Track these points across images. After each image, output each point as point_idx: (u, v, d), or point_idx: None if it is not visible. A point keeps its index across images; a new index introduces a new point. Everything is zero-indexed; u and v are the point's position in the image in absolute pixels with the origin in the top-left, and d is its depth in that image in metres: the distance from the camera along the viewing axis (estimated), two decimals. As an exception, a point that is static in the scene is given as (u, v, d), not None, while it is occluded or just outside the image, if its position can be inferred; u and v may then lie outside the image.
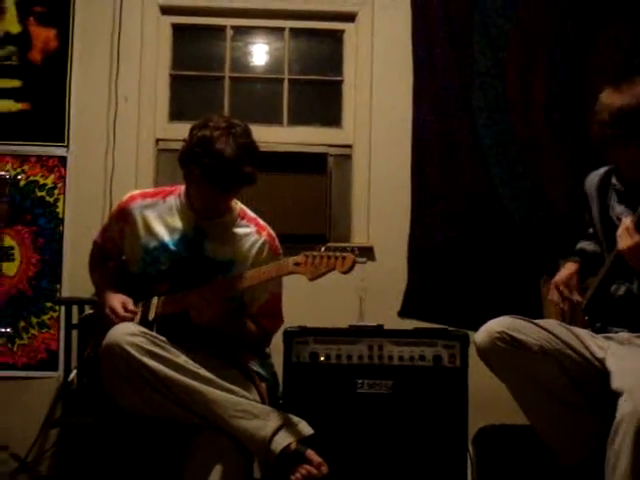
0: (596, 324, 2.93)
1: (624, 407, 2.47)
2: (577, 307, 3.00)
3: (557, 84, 4.31)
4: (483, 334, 2.78)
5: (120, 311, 2.99)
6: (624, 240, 2.69)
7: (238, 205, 3.16)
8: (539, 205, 4.29)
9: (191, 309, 2.91)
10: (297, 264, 2.80)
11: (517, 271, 4.21)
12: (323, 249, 2.78)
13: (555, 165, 4.30)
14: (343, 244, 4.31)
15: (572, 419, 2.77)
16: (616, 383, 2.58)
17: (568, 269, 3.06)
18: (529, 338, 2.74)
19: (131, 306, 3.01)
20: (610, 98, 2.81)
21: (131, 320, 2.95)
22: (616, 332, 2.87)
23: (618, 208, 2.93)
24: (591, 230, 3.11)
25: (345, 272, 2.74)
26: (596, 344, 2.81)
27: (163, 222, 3.08)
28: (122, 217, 3.14)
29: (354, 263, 2.73)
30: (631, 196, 2.86)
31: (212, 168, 2.84)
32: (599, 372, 2.73)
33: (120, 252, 3.23)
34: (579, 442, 2.79)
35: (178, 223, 3.08)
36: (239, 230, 3.10)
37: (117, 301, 3.03)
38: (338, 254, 2.75)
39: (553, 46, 4.33)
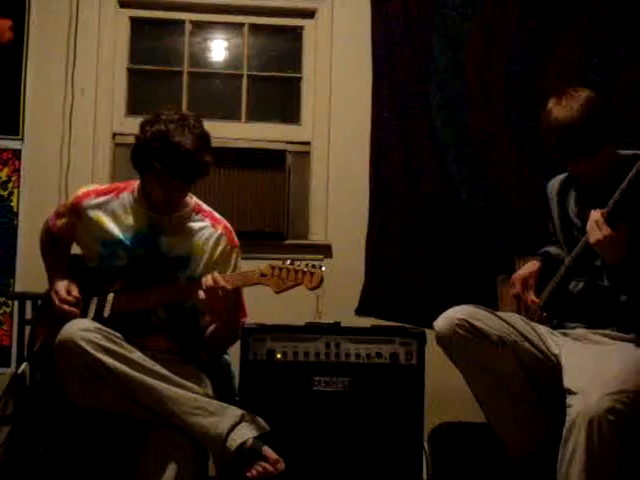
0: (553, 321, 2.95)
1: (576, 406, 2.49)
2: (531, 306, 3.02)
3: (515, 83, 4.35)
4: (443, 321, 2.80)
5: (63, 294, 2.97)
6: (594, 233, 2.68)
7: (193, 199, 3.13)
8: (497, 203, 4.32)
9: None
10: (263, 275, 2.80)
11: (474, 269, 4.24)
12: (289, 262, 2.79)
13: (513, 164, 4.33)
14: (301, 241, 4.34)
15: (524, 412, 2.80)
16: (568, 381, 2.61)
17: (530, 267, 3.07)
18: (489, 328, 2.76)
19: (75, 292, 2.99)
20: (552, 115, 2.78)
21: (72, 304, 2.95)
22: (572, 328, 2.89)
23: (576, 208, 2.96)
24: (554, 239, 3.13)
25: (312, 288, 2.76)
26: (553, 340, 2.84)
27: (117, 220, 3.05)
28: (74, 213, 3.11)
29: (322, 280, 2.74)
30: (589, 197, 2.87)
31: (174, 161, 2.82)
32: (554, 367, 2.76)
33: (66, 244, 3.22)
34: (529, 435, 2.83)
35: (131, 220, 3.05)
36: (194, 224, 3.08)
37: (62, 286, 3.01)
38: (306, 269, 2.75)
39: (512, 45, 4.36)
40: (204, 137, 2.92)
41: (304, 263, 2.78)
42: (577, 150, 2.75)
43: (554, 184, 3.08)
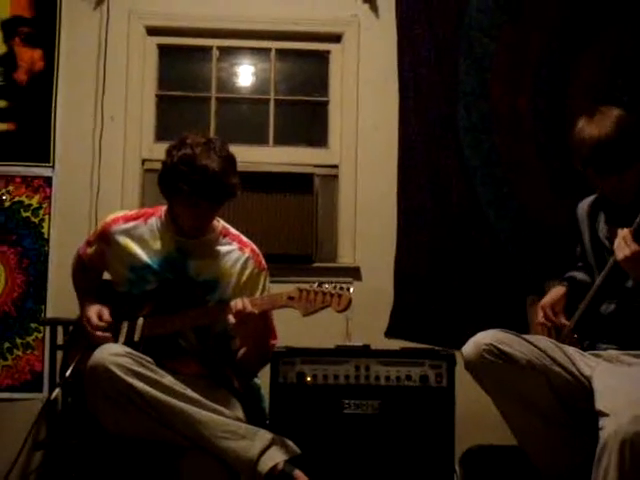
0: (585, 342, 2.93)
1: (608, 428, 2.46)
2: (563, 329, 3.00)
3: (542, 104, 4.34)
4: (471, 346, 2.78)
5: (94, 320, 3.00)
6: (621, 250, 2.69)
7: (220, 223, 3.15)
8: (525, 225, 4.30)
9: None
10: (291, 298, 2.80)
11: (503, 291, 4.22)
12: (316, 285, 2.78)
13: (541, 185, 4.32)
14: (329, 264, 4.34)
15: (556, 435, 2.77)
16: (600, 403, 2.58)
17: (556, 293, 3.06)
18: (517, 352, 2.73)
19: (107, 316, 3.02)
20: (585, 131, 2.81)
21: (105, 329, 2.97)
22: (604, 349, 2.87)
23: (605, 229, 2.95)
24: (580, 264, 3.12)
25: (341, 311, 2.75)
26: (584, 362, 2.81)
27: (145, 245, 3.07)
28: (103, 239, 3.14)
29: (350, 302, 2.74)
30: (618, 217, 2.86)
31: (201, 183, 2.84)
32: (586, 390, 2.73)
33: (97, 271, 3.25)
34: (562, 458, 2.80)
35: (159, 245, 3.07)
36: (222, 248, 3.10)
37: (93, 311, 3.04)
38: (334, 291, 2.75)
39: (537, 66, 4.36)
40: (230, 159, 2.95)
41: (332, 285, 2.77)
42: (610, 165, 2.77)
43: (583, 206, 3.08)
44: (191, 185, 2.86)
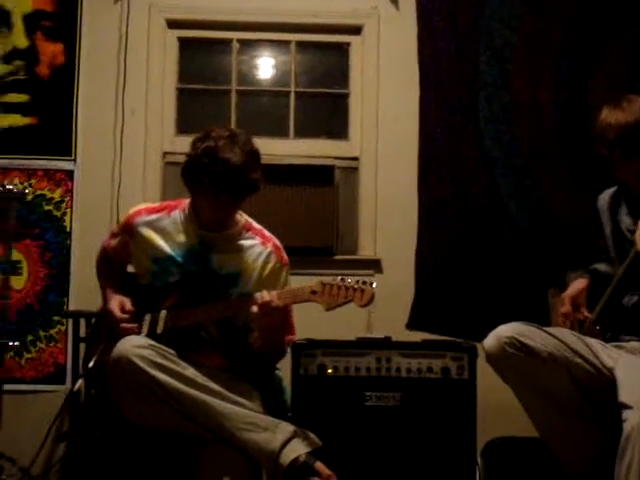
0: (607, 334, 2.92)
1: (632, 420, 2.46)
2: (585, 322, 3.00)
3: (563, 95, 4.33)
4: (492, 339, 2.78)
5: (118, 313, 3.01)
6: None
7: (243, 217, 3.16)
8: (546, 216, 4.29)
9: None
10: (314, 292, 2.79)
11: (524, 282, 4.21)
12: (339, 278, 2.78)
13: (562, 176, 4.31)
14: (350, 257, 4.35)
15: (579, 428, 2.77)
16: (623, 395, 2.57)
17: (578, 285, 3.05)
18: (538, 345, 2.73)
19: (129, 306, 3.03)
20: (612, 116, 2.83)
21: (129, 321, 2.97)
22: (627, 341, 2.86)
23: (628, 220, 2.94)
24: (604, 256, 3.11)
25: (363, 305, 2.74)
26: (606, 353, 2.80)
27: (168, 237, 3.08)
28: (127, 231, 3.15)
29: (373, 297, 2.73)
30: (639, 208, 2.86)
31: (221, 176, 2.85)
32: (608, 381, 2.72)
33: (121, 264, 3.27)
34: (585, 451, 2.79)
35: (183, 237, 3.08)
36: (244, 242, 3.10)
37: (115, 303, 3.05)
38: (357, 286, 2.74)
39: (558, 57, 4.34)
40: (253, 154, 2.95)
41: (355, 280, 2.76)
42: (638, 147, 2.77)
43: (605, 198, 3.08)
44: (212, 178, 2.87)
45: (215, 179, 2.87)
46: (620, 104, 2.84)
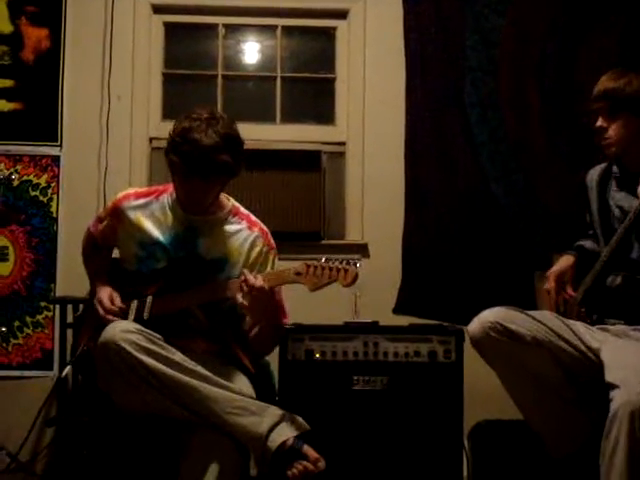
0: (593, 316, 2.94)
1: (618, 399, 2.47)
2: (570, 301, 3.01)
3: (550, 80, 4.33)
4: (476, 324, 2.80)
5: (107, 303, 3.00)
6: None
7: (230, 202, 3.15)
8: (532, 200, 4.30)
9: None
10: (298, 274, 2.80)
11: (511, 266, 4.23)
12: (324, 259, 2.78)
13: (548, 160, 4.31)
14: (337, 241, 4.35)
15: (563, 411, 2.79)
16: (610, 376, 2.58)
17: (564, 262, 3.07)
18: (522, 329, 2.75)
19: (118, 301, 3.02)
20: (607, 80, 2.86)
21: (117, 314, 2.97)
22: (613, 324, 2.87)
23: (618, 195, 2.95)
24: (591, 232, 3.12)
25: (347, 285, 2.74)
26: (591, 335, 2.82)
27: (156, 221, 3.08)
28: (115, 215, 3.14)
29: (357, 276, 2.73)
30: (631, 182, 2.86)
31: (189, 156, 2.84)
32: (593, 364, 2.74)
33: (108, 248, 3.26)
34: (570, 434, 2.82)
35: (170, 221, 3.07)
36: (231, 227, 3.10)
37: (105, 294, 3.04)
38: (340, 266, 2.74)
39: (545, 42, 4.34)
40: (228, 137, 2.91)
41: (339, 260, 2.77)
42: (625, 102, 2.81)
43: (593, 174, 3.08)
44: (181, 157, 2.86)
45: (184, 159, 2.86)
46: (611, 74, 2.87)
